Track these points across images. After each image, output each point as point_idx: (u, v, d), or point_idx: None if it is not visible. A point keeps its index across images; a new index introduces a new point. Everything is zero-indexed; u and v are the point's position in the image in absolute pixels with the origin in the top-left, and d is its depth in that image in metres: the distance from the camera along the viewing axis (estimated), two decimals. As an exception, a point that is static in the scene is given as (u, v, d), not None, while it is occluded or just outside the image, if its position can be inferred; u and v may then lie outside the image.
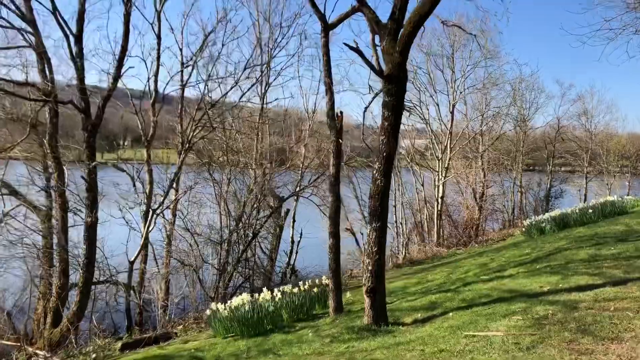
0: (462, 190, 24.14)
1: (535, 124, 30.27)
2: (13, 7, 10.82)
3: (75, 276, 11.76)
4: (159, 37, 14.44)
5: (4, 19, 11.04)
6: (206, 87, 15.00)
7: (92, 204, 11.16)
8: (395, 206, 22.26)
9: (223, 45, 15.18)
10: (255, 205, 15.29)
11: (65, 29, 11.03)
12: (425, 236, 22.22)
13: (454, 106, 22.49)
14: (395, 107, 6.24)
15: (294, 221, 18.14)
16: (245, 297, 8.19)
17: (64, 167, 11.97)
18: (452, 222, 22.98)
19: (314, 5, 8.20)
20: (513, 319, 5.18)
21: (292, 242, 17.80)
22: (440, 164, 22.04)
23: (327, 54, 8.36)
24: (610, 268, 7.18)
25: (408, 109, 18.47)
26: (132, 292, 12.12)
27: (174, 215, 14.93)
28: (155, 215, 13.14)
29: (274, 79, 18.10)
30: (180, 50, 15.35)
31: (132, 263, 12.47)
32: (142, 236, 13.00)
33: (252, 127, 17.59)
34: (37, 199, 12.48)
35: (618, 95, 78.82)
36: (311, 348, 6.01)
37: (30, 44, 11.40)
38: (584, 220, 14.14)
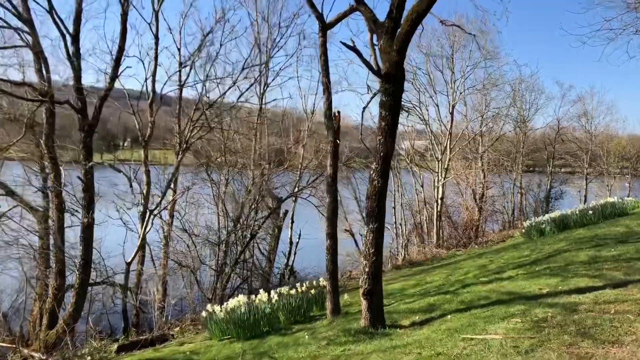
0: (461, 192, 24.09)
1: (535, 125, 30.31)
2: (10, 7, 10.76)
3: (71, 277, 11.68)
4: (156, 37, 14.40)
5: (0, 18, 11.00)
6: (204, 87, 15.00)
7: (89, 205, 11.09)
8: (394, 207, 22.22)
9: (221, 45, 15.19)
10: (253, 206, 15.23)
11: (62, 28, 10.99)
12: (425, 237, 22.15)
13: (453, 107, 22.44)
14: (392, 106, 6.17)
15: (292, 222, 18.09)
16: (241, 298, 8.11)
17: (61, 168, 11.89)
18: (452, 223, 22.91)
19: (311, 4, 8.15)
20: (512, 322, 5.10)
21: (291, 243, 17.74)
22: (440, 165, 21.97)
23: (324, 53, 8.29)
24: (610, 270, 7.11)
25: (407, 109, 18.41)
26: (129, 293, 12.05)
27: (172, 216, 14.87)
28: (152, 216, 13.07)
29: (273, 80, 18.07)
30: (179, 50, 15.34)
31: (129, 264, 12.41)
32: (139, 237, 12.94)
33: (250, 127, 17.54)
34: (34, 200, 12.42)
35: (618, 96, 78.95)
36: (307, 351, 5.93)
37: (27, 44, 11.33)
38: (584, 221, 14.07)
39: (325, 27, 8.27)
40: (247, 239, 14.74)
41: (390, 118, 6.17)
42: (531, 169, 33.47)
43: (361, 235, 18.93)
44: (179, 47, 15.31)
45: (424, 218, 23.14)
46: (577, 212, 14.58)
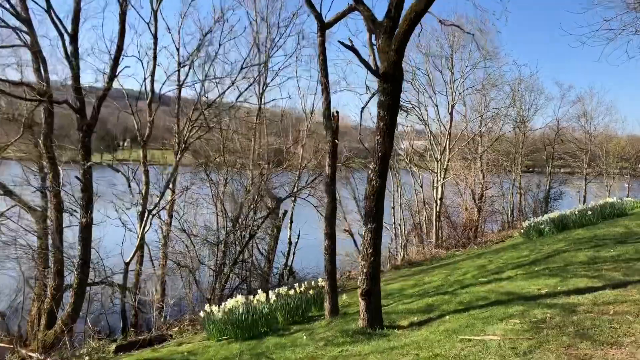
0: (461, 192, 24.09)
1: (535, 126, 30.29)
2: (8, 6, 10.77)
3: (70, 277, 11.66)
4: (155, 36, 14.40)
5: (-1, 17, 10.98)
6: (203, 87, 14.99)
7: (87, 205, 11.07)
8: (393, 207, 22.20)
9: (220, 45, 15.19)
10: (252, 206, 15.20)
11: (60, 27, 11.00)
12: (424, 237, 22.13)
13: (452, 107, 22.42)
14: (391, 106, 6.15)
15: (291, 222, 18.07)
16: (239, 299, 8.07)
17: (59, 168, 11.88)
18: (451, 224, 22.89)
19: (310, 4, 8.12)
20: (510, 323, 5.09)
21: (290, 243, 17.72)
22: (439, 165, 21.95)
23: (323, 53, 8.27)
24: (609, 270, 7.09)
25: (406, 109, 18.40)
26: (127, 293, 12.03)
27: (170, 216, 14.86)
28: (151, 216, 13.05)
29: (272, 79, 18.02)
30: (177, 50, 15.33)
31: (127, 264, 12.38)
32: (137, 237, 12.91)
33: (249, 127, 17.53)
34: (32, 200, 12.42)
35: (617, 97, 79.06)
36: (304, 352, 5.91)
37: (25, 43, 11.33)
38: (583, 222, 14.05)
39: (324, 27, 8.24)
40: (246, 239, 14.71)
41: (389, 118, 6.15)
42: (530, 169, 33.49)
43: (360, 235, 18.92)
44: (177, 46, 15.33)
45: (423, 218, 23.12)
46: (576, 213, 14.55)
